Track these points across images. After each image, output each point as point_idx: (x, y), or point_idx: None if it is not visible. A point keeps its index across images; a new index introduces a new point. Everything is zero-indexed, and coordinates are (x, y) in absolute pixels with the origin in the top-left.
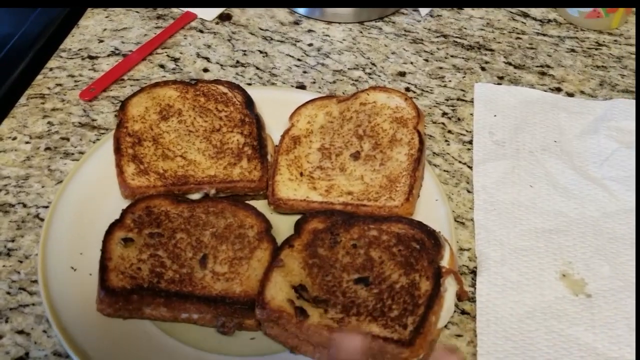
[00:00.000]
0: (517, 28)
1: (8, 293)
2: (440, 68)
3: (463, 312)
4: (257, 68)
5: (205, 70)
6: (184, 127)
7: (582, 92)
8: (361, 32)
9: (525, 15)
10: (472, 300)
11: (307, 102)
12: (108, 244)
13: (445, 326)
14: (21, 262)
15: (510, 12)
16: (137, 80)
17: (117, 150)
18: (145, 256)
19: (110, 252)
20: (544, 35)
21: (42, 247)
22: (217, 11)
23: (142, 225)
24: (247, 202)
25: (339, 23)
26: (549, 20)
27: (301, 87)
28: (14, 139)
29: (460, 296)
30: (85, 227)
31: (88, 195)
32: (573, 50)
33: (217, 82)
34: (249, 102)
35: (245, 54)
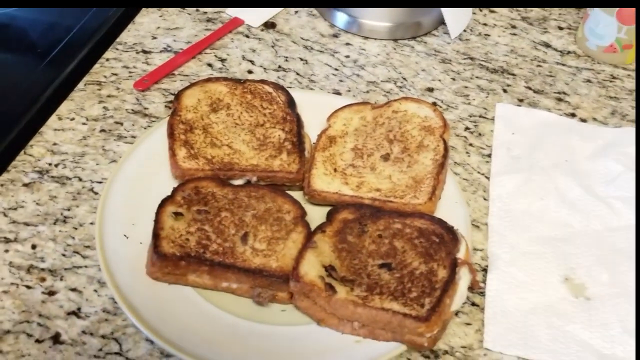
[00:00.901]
0: (538, 57)
1: (63, 255)
2: (466, 87)
3: (473, 304)
4: (297, 74)
5: (250, 72)
6: (232, 120)
7: (595, 119)
8: (395, 49)
9: (547, 46)
10: (482, 294)
11: (344, 107)
12: (160, 215)
13: (457, 314)
14: (76, 228)
15: (533, 41)
16: (187, 76)
17: (171, 135)
18: (193, 229)
19: (163, 223)
20: (563, 65)
21: (99, 217)
22: (262, 19)
23: (191, 203)
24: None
25: (375, 39)
26: (569, 52)
27: (337, 94)
28: (72, 119)
29: (473, 285)
30: (137, 201)
31: (141, 173)
32: (589, 81)
33: (263, 82)
34: (291, 102)
35: (286, 60)
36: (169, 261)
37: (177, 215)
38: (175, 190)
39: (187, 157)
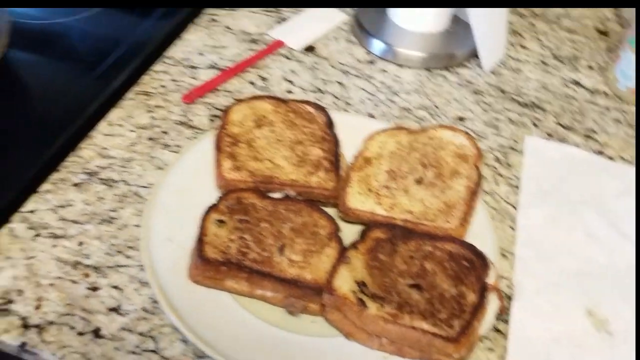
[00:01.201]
0: (568, 94)
1: (107, 253)
2: (496, 119)
3: (497, 331)
4: (334, 96)
5: (289, 92)
6: (274, 136)
7: (622, 158)
8: (428, 78)
9: (577, 84)
10: (506, 321)
11: (381, 130)
12: (205, 222)
13: (481, 340)
14: (120, 229)
15: (564, 79)
16: (230, 92)
17: (217, 147)
18: (234, 237)
19: (207, 229)
20: (593, 103)
21: (145, 220)
22: (303, 42)
23: (233, 212)
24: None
25: (409, 67)
26: (598, 91)
27: (371, 117)
28: (121, 126)
29: (500, 311)
30: (181, 207)
31: (186, 181)
32: (618, 120)
33: (305, 102)
34: (330, 123)
35: (324, 83)
36: (211, 266)
37: (220, 222)
38: (219, 200)
39: (232, 168)
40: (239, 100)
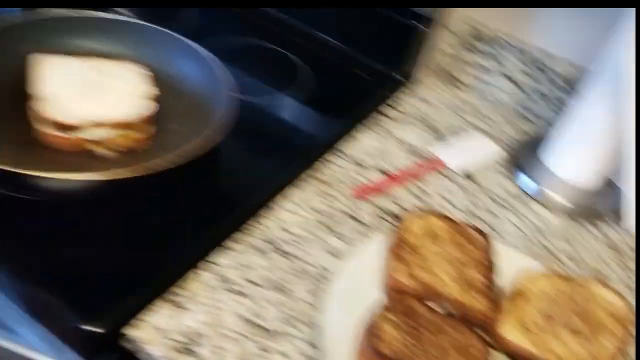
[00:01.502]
0: None
1: (279, 320)
2: (633, 281)
3: None
4: (485, 222)
5: (444, 208)
6: (440, 251)
7: None
8: (572, 226)
9: None
10: None
11: (537, 271)
12: (378, 318)
13: None
14: (292, 301)
15: None
16: (392, 197)
17: (391, 250)
18: (402, 338)
19: (380, 325)
20: None
21: (323, 303)
22: (461, 167)
23: (402, 314)
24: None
25: (556, 211)
26: None
27: (517, 250)
28: (299, 205)
29: None
30: (353, 298)
31: (358, 274)
32: None
33: (471, 226)
34: (490, 249)
35: (477, 208)
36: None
37: (391, 321)
38: (390, 300)
39: (401, 272)
40: (415, 213)
